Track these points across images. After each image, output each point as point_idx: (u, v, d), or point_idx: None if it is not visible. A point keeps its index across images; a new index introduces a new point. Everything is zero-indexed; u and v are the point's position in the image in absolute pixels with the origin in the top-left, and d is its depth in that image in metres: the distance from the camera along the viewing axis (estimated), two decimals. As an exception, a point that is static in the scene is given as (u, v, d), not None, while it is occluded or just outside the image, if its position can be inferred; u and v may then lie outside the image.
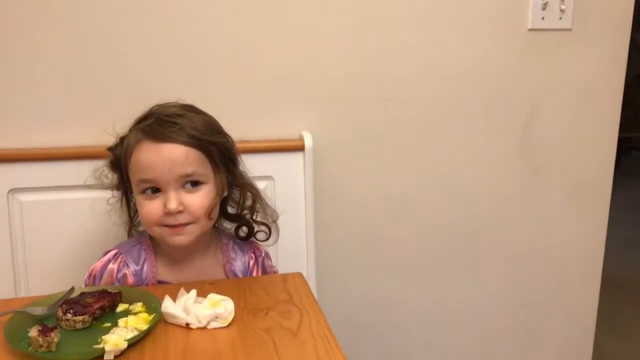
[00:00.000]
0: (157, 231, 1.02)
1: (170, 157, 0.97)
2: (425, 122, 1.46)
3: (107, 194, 1.11)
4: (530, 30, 1.45)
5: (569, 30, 1.47)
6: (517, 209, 1.56)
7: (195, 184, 1.00)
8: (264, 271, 1.15)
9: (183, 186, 0.99)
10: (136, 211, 1.08)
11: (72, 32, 1.24)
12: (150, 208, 0.99)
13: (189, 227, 1.00)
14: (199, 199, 0.99)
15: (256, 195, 1.10)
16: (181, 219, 0.99)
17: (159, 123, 0.99)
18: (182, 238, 1.01)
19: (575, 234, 1.61)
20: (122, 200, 1.10)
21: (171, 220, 0.99)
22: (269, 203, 1.13)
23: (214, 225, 1.10)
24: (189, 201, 0.99)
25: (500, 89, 1.48)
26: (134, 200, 1.08)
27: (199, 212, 0.99)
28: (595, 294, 1.67)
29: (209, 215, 1.01)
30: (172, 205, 0.97)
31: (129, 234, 1.14)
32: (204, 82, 1.32)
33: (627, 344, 2.21)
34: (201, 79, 1.32)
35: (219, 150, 1.02)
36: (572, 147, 1.55)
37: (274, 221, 1.14)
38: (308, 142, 1.35)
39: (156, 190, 0.99)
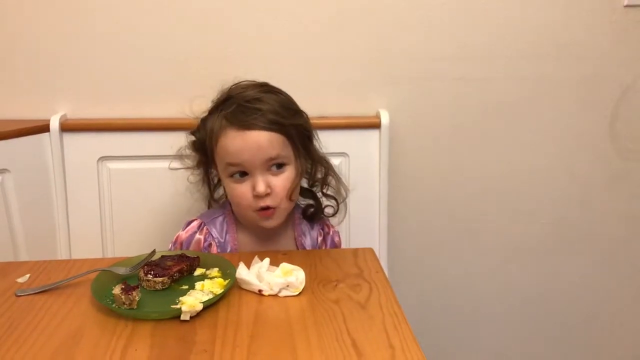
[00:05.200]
0: (250, 216, 1.06)
1: (256, 143, 1.00)
2: (507, 102, 1.41)
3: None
4: (627, 6, 1.37)
5: (670, 6, 1.38)
6: (604, 196, 1.49)
7: (280, 165, 1.03)
8: (332, 247, 1.16)
9: (269, 169, 1.03)
10: (215, 186, 1.15)
11: (156, 8, 1.29)
12: (241, 191, 1.03)
13: (277, 210, 1.04)
14: (283, 181, 1.03)
15: (328, 167, 1.12)
16: (268, 201, 1.03)
17: (241, 110, 1.02)
18: (271, 222, 1.05)
19: (667, 224, 1.52)
20: (203, 176, 1.14)
21: (260, 203, 1.03)
22: (342, 180, 1.14)
23: None
24: (274, 183, 1.02)
25: (590, 68, 1.40)
26: (213, 175, 1.14)
27: (282, 193, 1.03)
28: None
29: (290, 196, 1.04)
30: (261, 188, 1.01)
31: (209, 206, 1.18)
32: (286, 59, 1.34)
33: None
34: (283, 56, 1.34)
35: (297, 131, 1.05)
36: (666, 132, 1.46)
37: (344, 199, 1.15)
38: (385, 119, 1.34)
39: (244, 173, 1.03)
